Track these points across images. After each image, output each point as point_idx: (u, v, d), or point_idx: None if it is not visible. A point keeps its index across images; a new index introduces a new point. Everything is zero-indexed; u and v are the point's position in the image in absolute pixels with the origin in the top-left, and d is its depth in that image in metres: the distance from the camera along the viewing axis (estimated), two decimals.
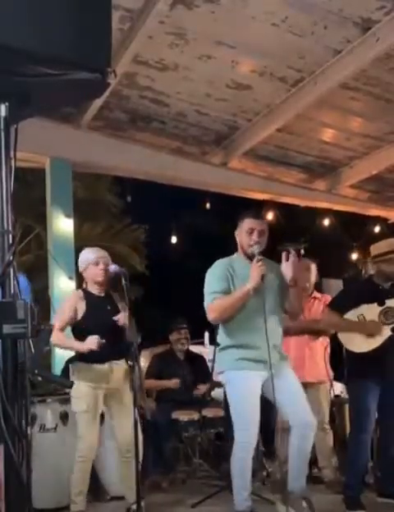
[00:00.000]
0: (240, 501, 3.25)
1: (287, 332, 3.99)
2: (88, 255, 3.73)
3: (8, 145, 1.78)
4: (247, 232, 3.36)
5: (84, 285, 3.78)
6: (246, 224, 3.38)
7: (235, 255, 3.49)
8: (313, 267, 4.63)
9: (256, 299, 3.24)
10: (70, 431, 3.90)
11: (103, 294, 3.72)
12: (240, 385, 3.29)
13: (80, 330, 3.59)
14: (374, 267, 3.88)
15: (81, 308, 3.64)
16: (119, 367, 3.62)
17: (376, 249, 3.89)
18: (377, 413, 3.70)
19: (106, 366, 3.58)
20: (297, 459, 3.29)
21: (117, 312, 3.64)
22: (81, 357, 3.61)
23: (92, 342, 3.43)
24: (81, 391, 3.52)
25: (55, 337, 3.55)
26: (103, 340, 3.44)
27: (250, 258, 3.33)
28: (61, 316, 3.65)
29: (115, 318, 3.51)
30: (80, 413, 3.56)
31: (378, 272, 3.83)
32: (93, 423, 3.54)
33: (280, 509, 3.22)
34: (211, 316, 3.32)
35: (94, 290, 3.71)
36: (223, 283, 3.32)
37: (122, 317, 3.51)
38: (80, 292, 3.74)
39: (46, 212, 5.75)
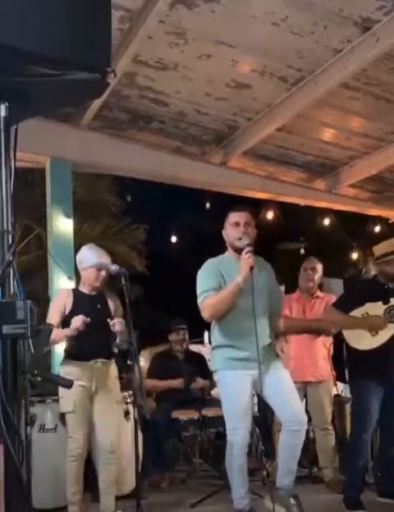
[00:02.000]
0: (237, 500, 3.26)
1: (287, 331, 4.00)
2: (91, 257, 3.70)
3: (8, 145, 1.78)
4: (232, 226, 3.39)
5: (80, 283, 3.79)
6: (231, 218, 3.42)
7: (224, 255, 3.51)
8: (319, 267, 4.64)
9: (245, 298, 3.24)
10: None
11: (93, 293, 3.72)
12: (229, 385, 3.31)
13: (66, 327, 3.58)
14: (377, 268, 3.90)
15: (69, 304, 3.65)
16: (105, 365, 3.62)
17: (377, 250, 3.91)
18: (379, 412, 3.69)
19: (90, 364, 3.57)
20: (286, 455, 3.29)
21: (108, 311, 3.65)
22: (68, 355, 3.63)
23: (77, 321, 3.42)
24: (67, 391, 3.33)
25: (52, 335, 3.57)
26: (89, 319, 3.43)
27: (239, 252, 3.33)
28: (50, 315, 3.64)
29: (111, 323, 3.49)
30: (68, 414, 3.55)
31: (381, 273, 3.84)
32: (82, 423, 3.53)
33: (267, 506, 3.22)
34: (205, 315, 3.35)
35: (86, 288, 3.72)
36: (213, 281, 3.33)
37: (118, 324, 3.50)
38: (70, 290, 3.76)
39: (46, 212, 5.75)
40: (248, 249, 3.25)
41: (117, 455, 3.59)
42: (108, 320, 3.51)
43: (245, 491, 3.26)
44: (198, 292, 3.37)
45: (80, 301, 3.66)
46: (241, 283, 3.21)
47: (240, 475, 3.27)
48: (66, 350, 3.65)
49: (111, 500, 3.55)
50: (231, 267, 3.36)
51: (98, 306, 3.66)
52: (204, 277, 3.39)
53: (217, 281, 3.33)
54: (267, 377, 3.26)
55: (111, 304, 3.74)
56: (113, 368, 3.70)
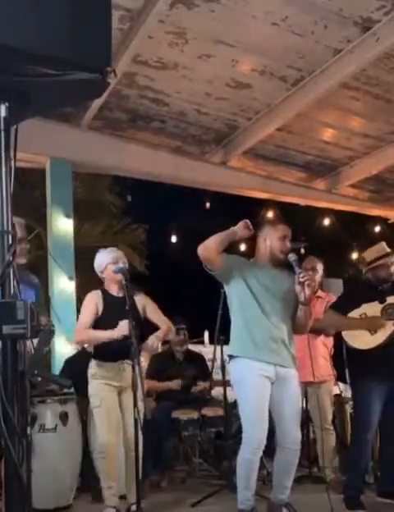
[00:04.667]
0: (242, 500, 3.26)
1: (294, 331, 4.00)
2: (105, 255, 3.74)
3: (8, 145, 1.78)
4: (280, 239, 3.42)
5: (104, 286, 3.80)
6: (279, 231, 3.45)
7: (253, 260, 3.52)
8: (319, 267, 4.63)
9: (272, 300, 3.33)
10: (69, 431, 3.92)
11: (121, 295, 3.71)
12: (250, 386, 3.27)
13: (97, 328, 3.60)
14: (369, 272, 3.91)
15: (100, 307, 3.68)
16: (129, 367, 3.61)
17: (370, 255, 3.93)
18: (381, 411, 3.68)
19: (118, 365, 3.60)
20: (282, 472, 3.34)
21: (137, 313, 3.66)
22: (96, 355, 3.66)
23: (124, 327, 3.42)
24: (95, 388, 3.59)
25: (81, 335, 3.64)
26: (133, 323, 3.43)
27: (279, 264, 3.42)
28: (84, 315, 3.66)
29: (148, 344, 3.54)
30: (95, 409, 3.61)
31: (376, 278, 3.87)
32: (107, 419, 3.56)
33: None
34: (199, 249, 3.30)
35: (113, 289, 3.73)
36: (242, 265, 3.38)
37: (120, 329, 3.48)
38: (99, 292, 3.76)
39: (46, 213, 5.75)
40: (307, 277, 3.31)
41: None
42: (144, 344, 3.56)
43: (252, 494, 3.27)
44: None
45: (110, 304, 3.68)
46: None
47: (251, 478, 3.25)
48: (94, 351, 3.67)
49: (134, 492, 3.48)
50: (262, 273, 3.39)
51: (126, 308, 3.66)
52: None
53: (247, 271, 3.36)
54: (280, 387, 3.29)
55: (139, 304, 3.75)
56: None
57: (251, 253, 3.65)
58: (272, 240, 3.44)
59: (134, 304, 3.71)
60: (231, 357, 3.41)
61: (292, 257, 3.36)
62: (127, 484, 3.59)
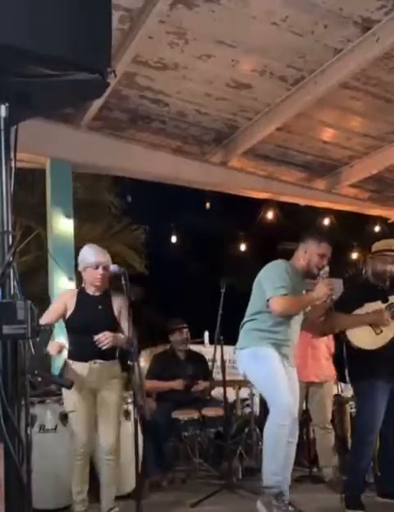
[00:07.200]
0: (267, 476, 3.26)
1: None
2: (88, 257, 3.67)
3: (8, 146, 1.78)
4: (319, 256, 3.53)
5: (82, 284, 3.78)
6: (322, 248, 3.56)
7: (294, 264, 3.60)
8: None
9: None
10: (69, 431, 3.91)
11: (97, 294, 3.69)
12: (272, 359, 3.37)
13: (68, 327, 3.62)
14: (370, 263, 3.89)
15: (71, 305, 3.63)
16: (102, 367, 3.58)
17: (375, 246, 3.92)
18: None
19: (87, 365, 3.55)
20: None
21: (110, 313, 3.63)
22: (68, 355, 3.64)
23: (52, 345, 3.38)
24: (68, 391, 3.46)
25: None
26: (65, 345, 3.49)
27: (309, 276, 3.57)
28: (46, 315, 3.61)
29: (95, 338, 3.46)
30: (70, 413, 3.58)
31: (373, 271, 3.84)
32: (84, 422, 3.53)
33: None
34: (277, 308, 3.39)
35: (90, 289, 3.71)
36: (290, 281, 3.42)
37: (104, 339, 3.46)
38: (75, 290, 3.75)
39: (46, 213, 5.75)
40: (326, 275, 3.48)
41: (116, 457, 3.59)
42: (94, 337, 3.47)
43: (279, 467, 3.23)
44: (272, 283, 3.42)
45: (83, 302, 3.65)
46: (317, 302, 3.44)
47: (279, 446, 3.23)
48: (68, 351, 3.66)
49: (109, 499, 3.56)
50: (297, 278, 3.51)
51: (100, 307, 3.65)
52: (283, 274, 3.45)
53: (291, 283, 3.42)
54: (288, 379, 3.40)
55: (115, 305, 3.71)
56: (115, 369, 3.69)
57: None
58: (312, 254, 3.55)
59: (110, 304, 3.69)
60: (259, 331, 3.49)
61: (325, 273, 3.48)
62: (102, 490, 3.58)
